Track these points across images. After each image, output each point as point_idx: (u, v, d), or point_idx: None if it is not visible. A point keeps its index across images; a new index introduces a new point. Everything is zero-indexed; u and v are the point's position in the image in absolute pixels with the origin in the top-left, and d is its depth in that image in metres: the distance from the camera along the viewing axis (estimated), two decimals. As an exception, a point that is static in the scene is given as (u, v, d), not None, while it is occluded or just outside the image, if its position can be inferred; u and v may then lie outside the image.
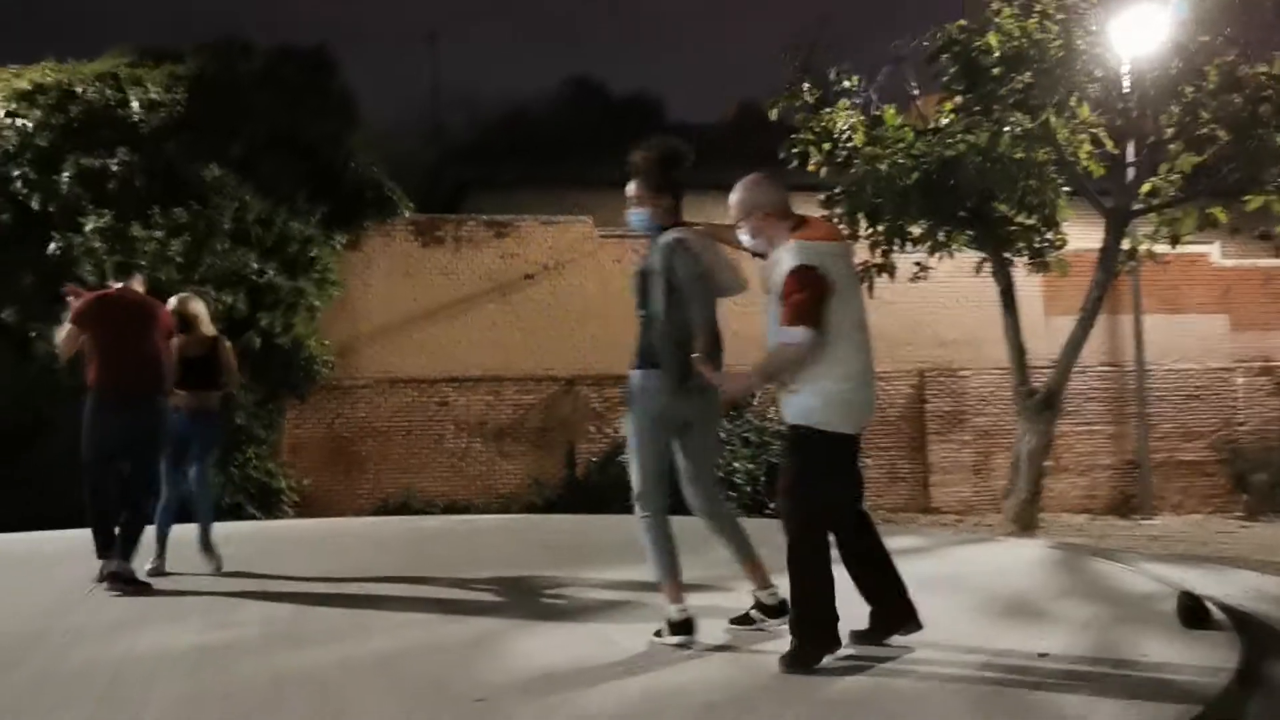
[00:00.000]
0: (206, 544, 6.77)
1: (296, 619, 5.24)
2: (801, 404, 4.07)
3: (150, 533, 6.35)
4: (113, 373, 6.07)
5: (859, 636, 4.21)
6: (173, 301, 6.82)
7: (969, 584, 5.85)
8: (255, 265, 12.91)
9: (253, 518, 12.82)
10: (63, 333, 6.27)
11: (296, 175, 14.02)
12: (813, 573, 3.99)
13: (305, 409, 14.94)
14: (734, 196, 4.34)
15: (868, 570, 4.28)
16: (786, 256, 4.10)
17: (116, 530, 6.04)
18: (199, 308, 6.93)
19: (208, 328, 6.93)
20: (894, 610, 4.27)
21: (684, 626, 4.35)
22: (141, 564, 6.25)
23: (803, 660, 3.92)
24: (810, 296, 4.00)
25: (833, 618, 3.99)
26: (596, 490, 14.87)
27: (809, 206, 13.47)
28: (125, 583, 5.92)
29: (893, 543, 7.92)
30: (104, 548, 6.07)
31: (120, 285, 6.43)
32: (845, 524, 4.25)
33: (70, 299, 6.32)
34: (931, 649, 4.25)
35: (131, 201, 12.69)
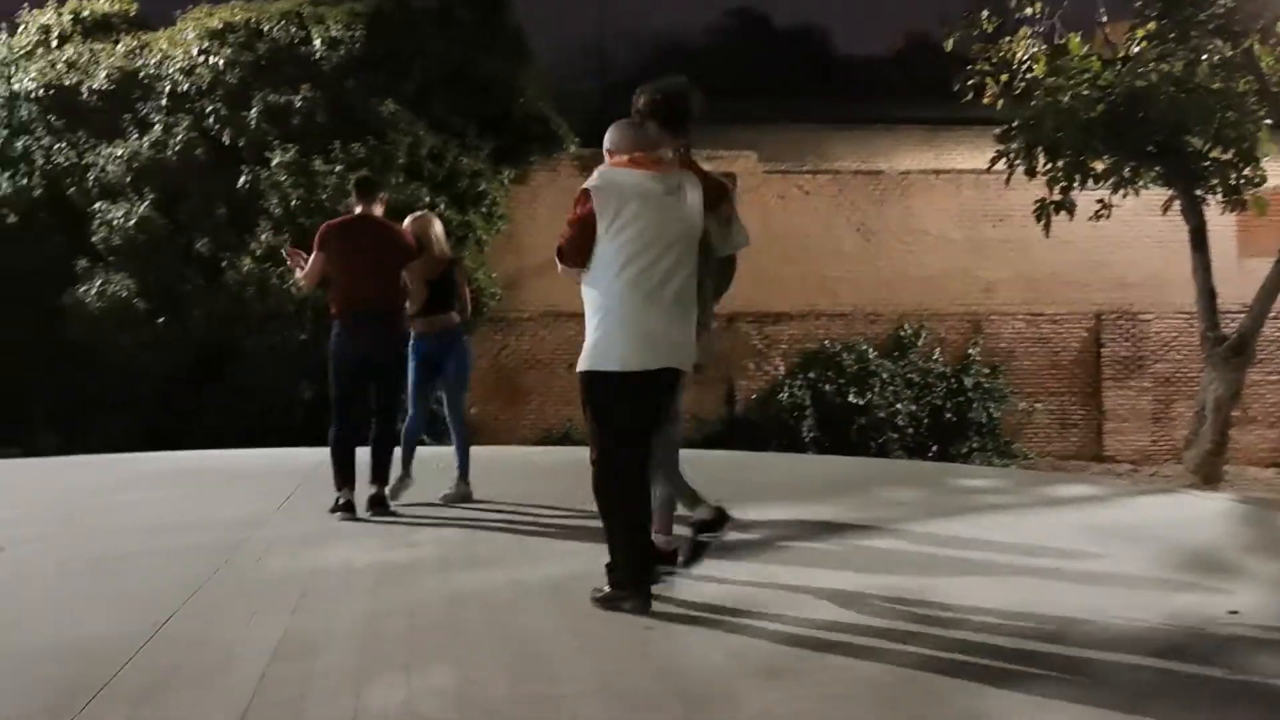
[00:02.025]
0: (463, 472, 6.64)
1: (469, 542, 5.44)
2: (583, 348, 4.06)
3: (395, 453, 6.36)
4: (352, 297, 6.06)
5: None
6: (406, 222, 6.59)
7: (1150, 535, 5.62)
8: (427, 199, 13.26)
9: (422, 443, 13.33)
10: (301, 270, 6.24)
11: (467, 111, 14.31)
12: (618, 516, 3.99)
13: (473, 340, 15.36)
14: None
15: None
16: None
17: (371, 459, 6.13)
18: (432, 228, 6.61)
19: (442, 249, 6.62)
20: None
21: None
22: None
23: (610, 601, 3.96)
24: (571, 220, 4.00)
25: (635, 575, 3.94)
26: (756, 427, 14.88)
27: (984, 141, 13.00)
28: (382, 508, 6.04)
29: (1066, 491, 7.74)
30: (345, 480, 6.02)
31: (361, 209, 6.27)
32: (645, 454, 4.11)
33: (292, 262, 6.44)
34: (1113, 600, 4.11)
35: (314, 137, 13.19)
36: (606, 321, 3.99)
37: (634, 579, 3.96)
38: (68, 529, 5.91)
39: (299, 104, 13.33)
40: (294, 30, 13.92)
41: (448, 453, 6.88)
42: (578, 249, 4.02)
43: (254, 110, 13.34)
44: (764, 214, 15.94)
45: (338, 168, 12.82)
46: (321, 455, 6.36)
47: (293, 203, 12.73)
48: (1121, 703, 2.99)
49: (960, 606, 3.98)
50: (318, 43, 13.74)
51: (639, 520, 4.03)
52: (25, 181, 13.58)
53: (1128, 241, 16.11)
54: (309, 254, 6.21)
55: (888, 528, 5.70)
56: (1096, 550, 5.16)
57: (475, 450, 7.05)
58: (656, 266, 3.95)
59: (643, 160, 4.02)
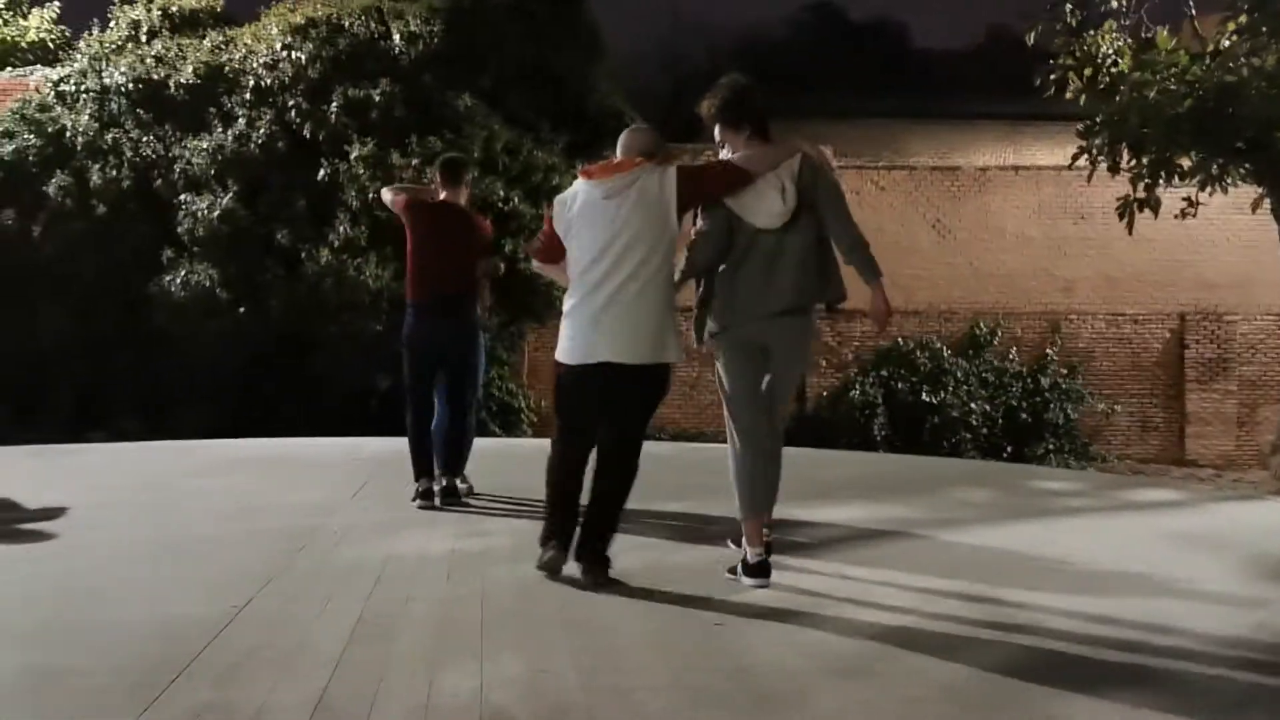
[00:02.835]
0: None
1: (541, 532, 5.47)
2: None
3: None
4: (427, 283, 6.06)
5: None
6: None
7: (1234, 542, 5.47)
8: (501, 193, 13.34)
9: (493, 435, 13.47)
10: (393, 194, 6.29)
11: (541, 106, 14.36)
12: (550, 484, 4.51)
13: (544, 333, 15.44)
14: None
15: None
16: None
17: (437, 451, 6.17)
18: None
19: None
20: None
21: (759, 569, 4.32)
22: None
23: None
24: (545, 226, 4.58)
25: (549, 531, 4.44)
26: (827, 425, 14.77)
27: (1065, 137, 12.75)
28: (457, 499, 6.08)
29: (1147, 495, 7.56)
30: (424, 469, 6.07)
31: (445, 195, 6.23)
32: (586, 449, 4.51)
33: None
34: (1196, 609, 4.01)
35: (391, 130, 13.35)
36: (565, 317, 4.42)
37: (545, 537, 4.42)
38: (151, 512, 6.06)
39: (378, 98, 13.48)
40: (374, 25, 14.08)
41: (493, 444, 6.90)
42: (542, 250, 4.60)
43: (334, 104, 13.52)
44: (838, 210, 15.84)
45: (415, 161, 12.95)
46: (394, 445, 6.43)
47: (370, 195, 12.89)
48: (1207, 714, 2.91)
49: (1036, 612, 3.91)
50: (396, 38, 13.89)
51: (563, 492, 4.46)
52: (114, 173, 13.91)
53: (1214, 241, 15.72)
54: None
55: (961, 529, 5.62)
56: (1178, 558, 5.04)
57: (544, 442, 7.05)
58: (595, 268, 4.28)
59: (593, 170, 4.44)
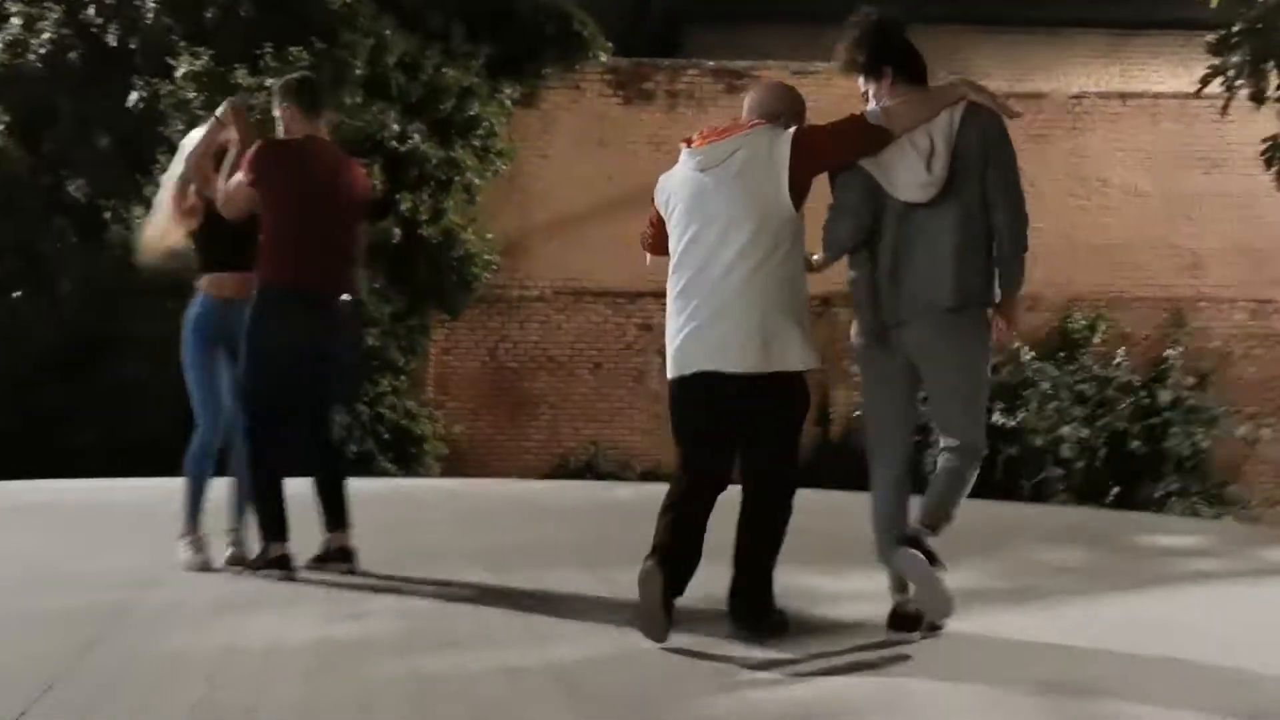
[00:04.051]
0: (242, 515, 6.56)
1: (445, 614, 5.49)
2: None
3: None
4: (299, 261, 5.94)
5: None
6: (204, 130, 6.48)
7: None
8: (395, 127, 13.32)
9: (385, 473, 13.42)
10: (230, 183, 6.04)
11: (452, 4, 14.34)
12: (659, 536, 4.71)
13: (458, 328, 15.42)
14: None
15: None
16: None
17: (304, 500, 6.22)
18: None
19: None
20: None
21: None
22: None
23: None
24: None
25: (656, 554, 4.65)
26: (861, 457, 14.78)
27: (1191, 53, 12.89)
28: (351, 564, 6.14)
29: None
30: (274, 529, 6.05)
31: (300, 131, 6.15)
32: (710, 482, 4.81)
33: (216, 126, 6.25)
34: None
35: (235, 37, 13.27)
36: (675, 322, 4.80)
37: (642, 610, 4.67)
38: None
39: (216, -10, 13.45)
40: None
41: (383, 487, 6.91)
42: (651, 240, 5.10)
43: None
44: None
45: (269, 80, 12.86)
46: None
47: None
48: None
49: (1144, 713, 3.96)
50: (243, -98, 13.85)
51: (680, 521, 4.72)
52: None
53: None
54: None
55: (1044, 604, 5.68)
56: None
57: (456, 483, 7.09)
58: (690, 257, 4.74)
59: (695, 137, 4.84)
